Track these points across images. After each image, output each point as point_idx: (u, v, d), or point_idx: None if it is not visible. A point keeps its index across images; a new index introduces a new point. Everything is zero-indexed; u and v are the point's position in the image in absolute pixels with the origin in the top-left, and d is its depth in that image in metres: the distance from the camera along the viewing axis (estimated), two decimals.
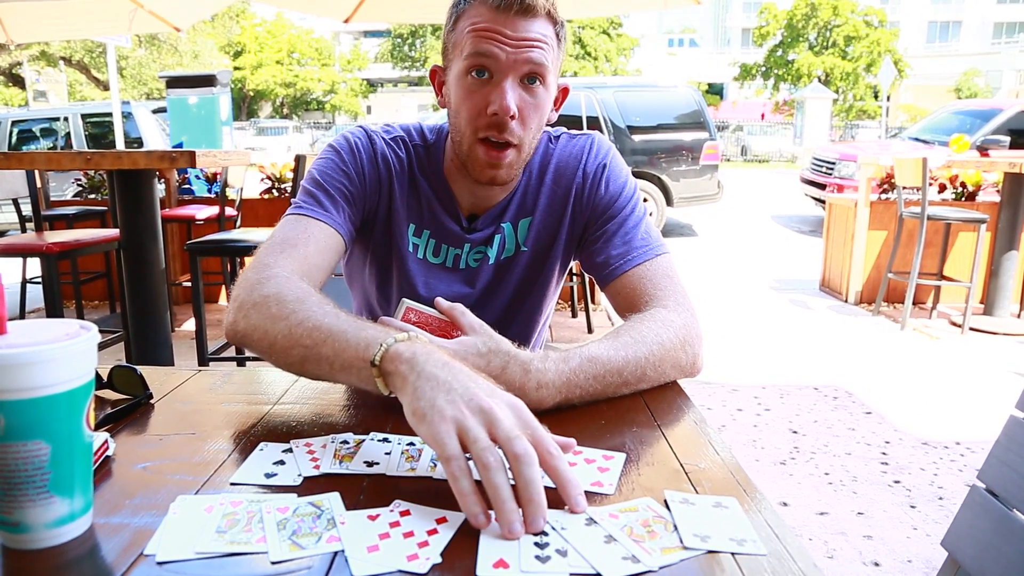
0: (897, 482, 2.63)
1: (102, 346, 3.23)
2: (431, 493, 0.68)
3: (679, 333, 1.00)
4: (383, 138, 1.22)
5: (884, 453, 2.87)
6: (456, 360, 0.74)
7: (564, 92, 1.20)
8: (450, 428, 0.65)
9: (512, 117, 1.07)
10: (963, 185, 5.44)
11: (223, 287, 4.89)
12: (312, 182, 1.16)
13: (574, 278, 4.73)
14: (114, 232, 3.20)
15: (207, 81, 4.94)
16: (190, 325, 4.68)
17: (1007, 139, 7.86)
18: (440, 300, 0.90)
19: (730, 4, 47.99)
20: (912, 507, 2.45)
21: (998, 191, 5.09)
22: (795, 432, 3.07)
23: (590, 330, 4.57)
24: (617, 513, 0.64)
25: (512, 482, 0.62)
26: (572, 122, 7.80)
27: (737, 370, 3.90)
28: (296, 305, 0.89)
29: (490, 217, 1.22)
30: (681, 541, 0.59)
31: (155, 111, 9.41)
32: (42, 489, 0.58)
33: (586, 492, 0.67)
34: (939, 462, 2.79)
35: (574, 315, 4.94)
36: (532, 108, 1.10)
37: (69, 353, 0.58)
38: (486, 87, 1.08)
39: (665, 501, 0.65)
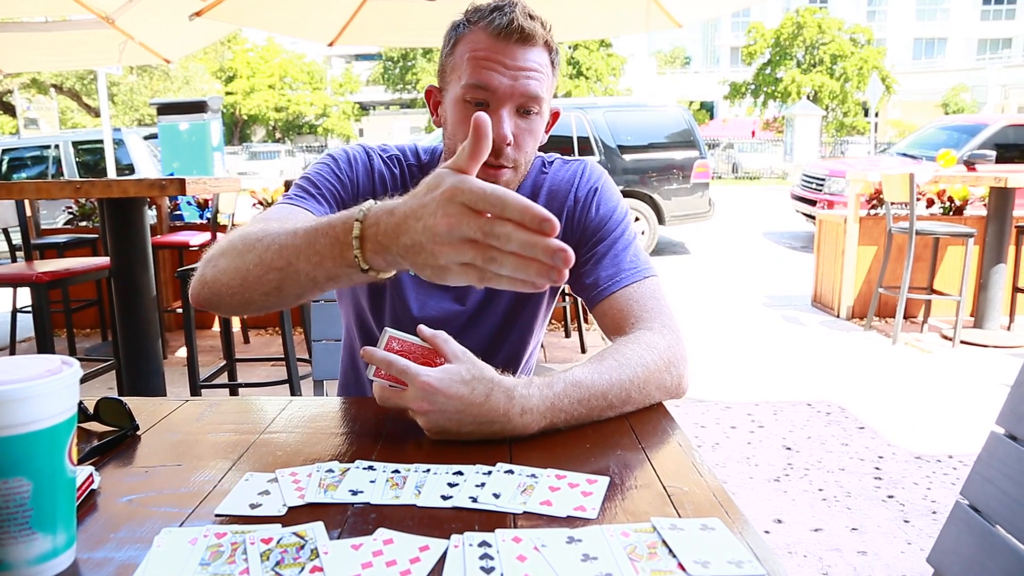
0: (891, 497, 2.63)
1: (94, 375, 3.22)
2: (415, 521, 0.68)
3: (664, 355, 1.01)
4: (380, 156, 1.26)
5: (877, 468, 2.87)
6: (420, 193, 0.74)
7: (555, 116, 1.23)
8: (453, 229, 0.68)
9: (508, 144, 1.10)
10: (951, 200, 5.48)
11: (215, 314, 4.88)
12: (305, 181, 1.19)
13: (566, 298, 4.74)
14: (104, 260, 3.21)
15: (198, 108, 4.96)
16: (183, 352, 4.66)
17: (993, 153, 7.94)
18: (423, 328, 0.91)
19: (719, 23, 48.48)
20: (906, 522, 2.45)
21: (985, 205, 5.13)
22: (789, 448, 3.07)
23: (583, 350, 4.57)
24: (629, 531, 0.65)
25: None
26: (563, 142, 7.83)
27: (730, 387, 3.90)
28: (261, 235, 0.88)
29: None
30: (684, 569, 0.59)
31: (146, 137, 9.44)
32: (24, 526, 0.58)
33: (569, 517, 0.68)
34: (932, 476, 2.79)
35: (567, 335, 4.95)
36: (527, 133, 1.14)
37: (49, 390, 0.58)
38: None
39: (654, 528, 0.66)
